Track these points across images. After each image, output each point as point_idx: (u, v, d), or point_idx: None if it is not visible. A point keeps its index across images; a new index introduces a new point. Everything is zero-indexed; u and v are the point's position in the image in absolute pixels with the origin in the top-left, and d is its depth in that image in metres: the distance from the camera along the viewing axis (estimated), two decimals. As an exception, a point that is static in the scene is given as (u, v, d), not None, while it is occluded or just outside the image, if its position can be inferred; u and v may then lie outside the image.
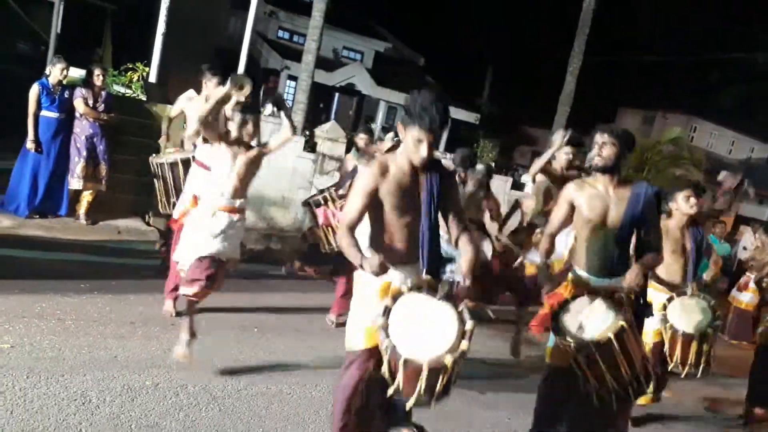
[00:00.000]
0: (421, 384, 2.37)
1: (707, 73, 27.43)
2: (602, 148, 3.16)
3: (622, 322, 2.96)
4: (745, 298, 8.32)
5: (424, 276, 2.71)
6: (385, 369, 2.47)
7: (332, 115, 22.78)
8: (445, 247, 3.01)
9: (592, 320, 3.07)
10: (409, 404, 2.44)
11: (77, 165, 6.40)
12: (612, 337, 2.92)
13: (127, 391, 3.30)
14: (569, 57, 13.13)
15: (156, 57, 7.35)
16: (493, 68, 31.28)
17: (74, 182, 6.41)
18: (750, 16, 26.74)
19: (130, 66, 8.17)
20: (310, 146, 8.68)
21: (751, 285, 8.29)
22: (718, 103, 27.50)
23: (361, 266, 2.59)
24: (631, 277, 3.11)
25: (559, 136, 4.97)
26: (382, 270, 2.53)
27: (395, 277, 2.73)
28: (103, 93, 6.61)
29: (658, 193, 3.05)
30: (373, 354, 2.66)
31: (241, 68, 7.79)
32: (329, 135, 8.61)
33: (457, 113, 23.99)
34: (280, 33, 22.22)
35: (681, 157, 13.05)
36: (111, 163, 6.58)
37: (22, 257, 5.23)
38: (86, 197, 6.52)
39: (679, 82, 27.00)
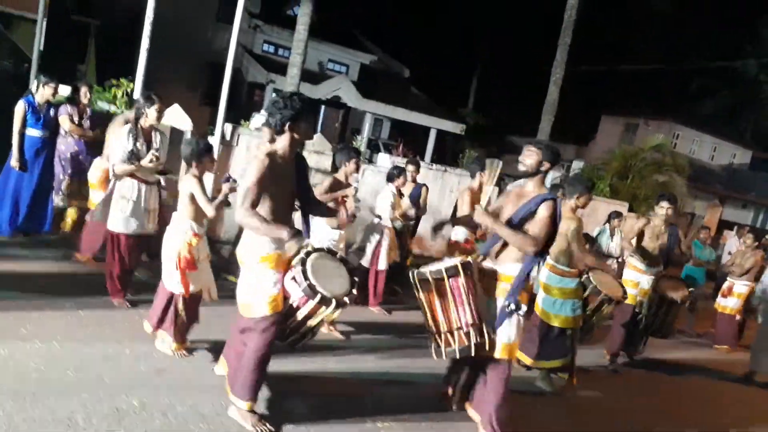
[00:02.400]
0: (323, 314, 3.33)
1: (689, 81, 27.83)
2: (526, 157, 3.81)
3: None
4: (730, 303, 8.34)
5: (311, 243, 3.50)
6: (295, 306, 3.32)
7: (318, 128, 22.82)
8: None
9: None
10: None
11: (62, 182, 6.36)
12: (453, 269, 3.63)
13: (114, 413, 3.25)
14: (552, 67, 13.28)
15: (140, 72, 7.32)
16: (478, 79, 31.55)
17: (58, 199, 6.36)
18: (730, 25, 27.19)
19: (114, 82, 8.13)
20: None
21: (735, 290, 8.33)
22: (699, 110, 27.89)
23: (287, 236, 3.12)
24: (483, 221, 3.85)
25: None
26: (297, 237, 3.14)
27: (281, 246, 3.24)
28: (88, 110, 6.59)
29: (544, 199, 3.68)
30: (276, 318, 3.30)
31: (226, 82, 7.77)
32: (316, 148, 8.61)
33: (442, 124, 24.15)
34: (265, 47, 22.27)
35: (664, 163, 13.20)
36: (96, 179, 6.51)
37: (4, 277, 5.15)
38: (71, 215, 6.47)
39: (661, 90, 27.40)
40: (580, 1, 12.95)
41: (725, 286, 8.49)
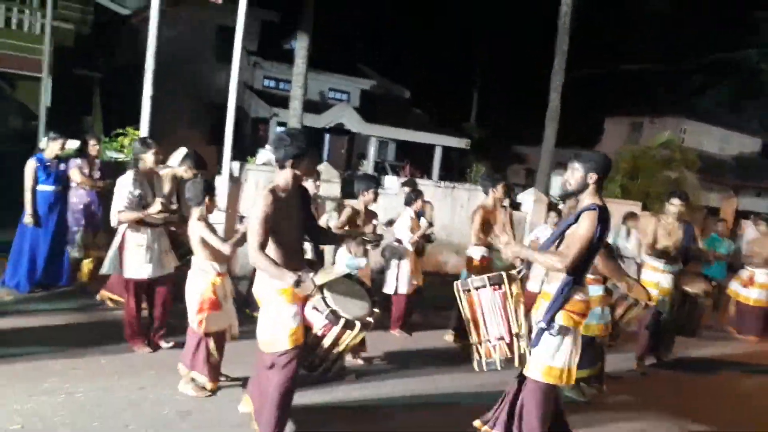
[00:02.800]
0: (349, 338, 3.35)
1: (691, 75, 27.77)
2: (570, 175, 3.52)
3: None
4: (753, 294, 8.16)
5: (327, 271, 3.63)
6: (320, 334, 3.33)
7: (325, 156, 22.99)
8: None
9: None
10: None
11: (76, 234, 6.44)
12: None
13: (143, 460, 3.26)
14: (551, 74, 13.32)
15: (145, 119, 7.43)
16: (479, 92, 31.69)
17: (75, 251, 6.44)
18: (727, 18, 27.13)
19: (121, 131, 8.28)
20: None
21: (757, 279, 8.16)
22: (705, 103, 27.72)
23: (292, 283, 3.20)
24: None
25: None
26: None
27: (297, 292, 3.28)
28: (98, 161, 6.72)
29: (584, 210, 3.35)
30: (297, 352, 3.32)
31: (229, 120, 7.88)
32: (323, 176, 8.65)
33: (446, 140, 24.22)
34: (266, 82, 22.56)
35: (674, 159, 13.11)
36: (109, 228, 6.60)
37: (26, 331, 5.20)
38: (87, 265, 6.55)
39: (663, 88, 27.29)
40: (574, 7, 13.00)
41: (745, 275, 8.27)
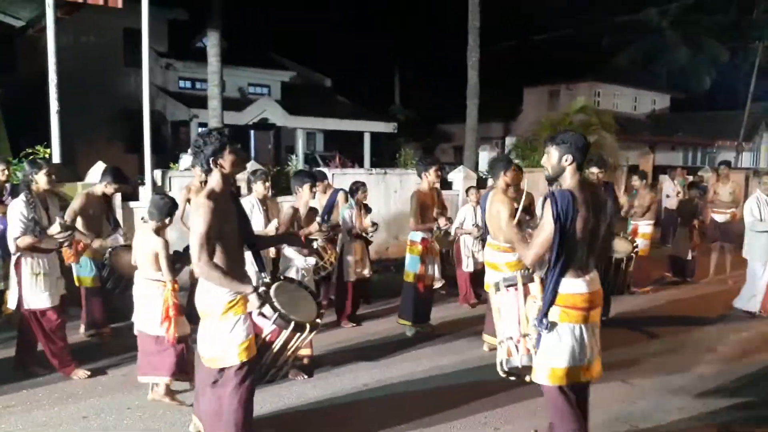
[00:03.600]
0: (298, 341, 3.32)
1: (600, 39, 28.78)
2: (545, 160, 3.29)
3: None
4: (640, 245, 8.37)
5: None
6: (268, 340, 3.27)
7: (251, 153, 22.56)
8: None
9: None
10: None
11: (-7, 265, 6.06)
12: None
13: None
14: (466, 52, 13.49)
15: (55, 136, 7.06)
16: (400, 74, 31.82)
17: (-6, 283, 6.07)
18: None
19: (31, 151, 7.81)
20: (236, 190, 8.53)
21: (641, 231, 8.44)
22: (614, 65, 28.83)
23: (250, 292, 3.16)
24: None
25: None
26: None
27: (251, 301, 3.22)
28: (8, 185, 6.31)
29: (545, 199, 3.17)
30: (252, 365, 3.24)
31: (146, 126, 7.59)
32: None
33: (374, 126, 24.25)
34: (182, 83, 21.86)
35: (591, 123, 13.57)
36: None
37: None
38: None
39: (575, 53, 28.18)
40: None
41: (630, 229, 8.47)
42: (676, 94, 32.26)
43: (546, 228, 3.11)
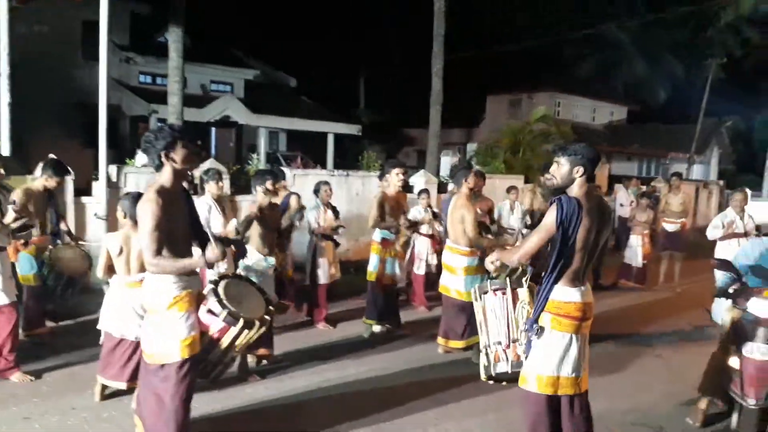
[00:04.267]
0: (246, 338, 3.28)
1: (561, 50, 29.40)
2: (555, 170, 3.35)
3: None
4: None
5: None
6: (216, 337, 3.24)
7: (212, 150, 22.25)
8: None
9: None
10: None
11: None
12: None
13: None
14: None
15: (5, 129, 6.83)
16: (366, 77, 31.85)
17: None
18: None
19: (-22, 142, 7.55)
20: (193, 187, 8.41)
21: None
22: (574, 76, 29.51)
23: (207, 264, 3.15)
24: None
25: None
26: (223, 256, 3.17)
27: (191, 284, 3.21)
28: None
29: (551, 202, 3.21)
30: (193, 362, 3.19)
31: (102, 122, 7.42)
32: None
33: (338, 128, 24.20)
34: (142, 78, 21.41)
35: (550, 132, 13.87)
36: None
37: None
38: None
39: (538, 63, 28.74)
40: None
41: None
42: (633, 106, 33.20)
43: (543, 230, 3.11)
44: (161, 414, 3.18)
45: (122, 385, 4.14)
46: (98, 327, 4.26)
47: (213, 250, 3.11)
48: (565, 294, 3.12)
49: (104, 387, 4.22)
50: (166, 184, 3.14)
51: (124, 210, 4.09)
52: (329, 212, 6.64)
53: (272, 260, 5.19)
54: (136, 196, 4.13)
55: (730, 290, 4.28)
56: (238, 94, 23.46)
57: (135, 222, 4.00)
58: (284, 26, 29.37)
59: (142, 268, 3.99)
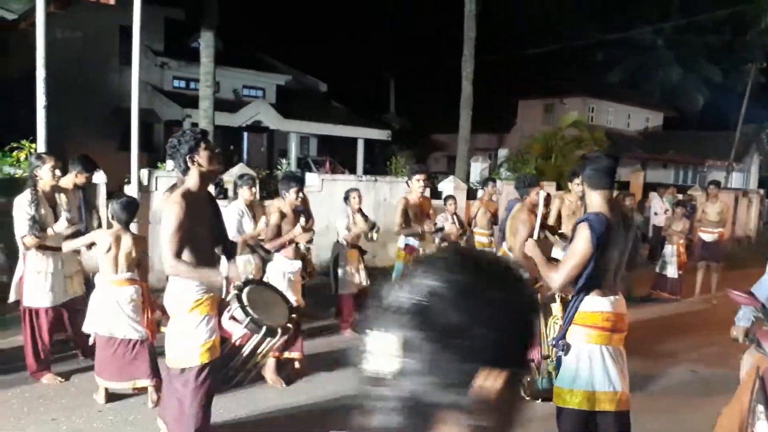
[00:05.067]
0: (268, 345, 3.25)
1: (594, 55, 29.02)
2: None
3: None
4: None
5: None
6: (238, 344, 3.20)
7: (244, 155, 22.47)
8: None
9: None
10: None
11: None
12: None
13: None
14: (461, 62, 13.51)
15: (41, 131, 6.96)
16: (396, 82, 31.85)
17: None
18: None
19: (16, 145, 7.72)
20: (223, 192, 8.49)
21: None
22: (608, 81, 29.09)
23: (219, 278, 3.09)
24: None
25: None
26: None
27: (212, 287, 3.17)
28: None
29: (578, 223, 3.10)
30: (213, 367, 3.18)
31: (134, 126, 7.53)
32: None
33: (368, 133, 24.23)
34: (176, 83, 21.77)
35: (583, 138, 13.63)
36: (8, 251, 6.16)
37: None
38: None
39: (571, 68, 28.39)
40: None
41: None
42: (669, 112, 32.49)
43: (580, 253, 2.95)
44: (181, 418, 3.20)
45: (124, 385, 4.17)
46: (83, 329, 4.28)
47: (233, 268, 3.13)
48: (594, 303, 3.01)
49: (107, 389, 4.24)
50: (193, 187, 3.17)
51: (113, 213, 4.21)
52: (358, 217, 6.61)
53: (298, 264, 5.18)
54: (125, 202, 4.23)
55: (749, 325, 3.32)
56: (269, 99, 23.68)
57: (124, 225, 4.14)
58: (315, 31, 29.57)
59: (131, 267, 4.05)
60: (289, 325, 3.36)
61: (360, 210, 6.65)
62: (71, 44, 16.57)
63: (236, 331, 3.21)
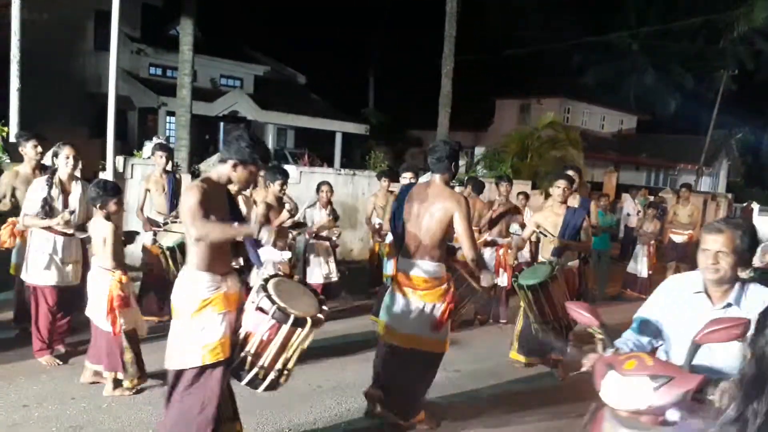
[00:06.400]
0: (299, 339, 2.98)
1: (572, 57, 29.32)
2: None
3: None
4: None
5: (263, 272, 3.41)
6: (266, 339, 2.95)
7: (220, 145, 22.25)
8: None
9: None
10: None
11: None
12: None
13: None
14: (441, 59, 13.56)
15: (14, 114, 6.84)
16: (375, 77, 31.83)
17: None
18: (604, 4, 28.76)
19: (-14, 127, 7.56)
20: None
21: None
22: (584, 83, 29.42)
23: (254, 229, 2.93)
24: None
25: None
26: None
27: (224, 285, 3.06)
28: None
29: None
30: (221, 367, 3.00)
31: (111, 112, 7.41)
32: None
33: (346, 127, 24.19)
34: (152, 70, 21.46)
35: (558, 139, 13.82)
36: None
37: None
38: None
39: (548, 69, 28.65)
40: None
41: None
42: (643, 115, 33.08)
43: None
44: (179, 422, 3.03)
45: (98, 368, 4.19)
46: (86, 312, 4.26)
47: (265, 233, 2.92)
48: None
49: (96, 373, 4.25)
50: (215, 179, 3.09)
51: (89, 197, 4.18)
52: (324, 212, 6.63)
53: (288, 254, 5.16)
54: (104, 185, 4.18)
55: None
56: (247, 89, 23.49)
57: (101, 208, 4.10)
58: (295, 23, 29.38)
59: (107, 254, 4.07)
60: (320, 316, 3.09)
61: (329, 203, 6.69)
62: (44, 28, 16.22)
63: (262, 323, 2.95)
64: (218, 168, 3.10)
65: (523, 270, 5.36)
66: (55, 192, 4.58)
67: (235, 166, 3.02)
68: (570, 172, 5.80)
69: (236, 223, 3.01)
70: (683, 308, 2.44)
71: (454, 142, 3.76)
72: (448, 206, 3.77)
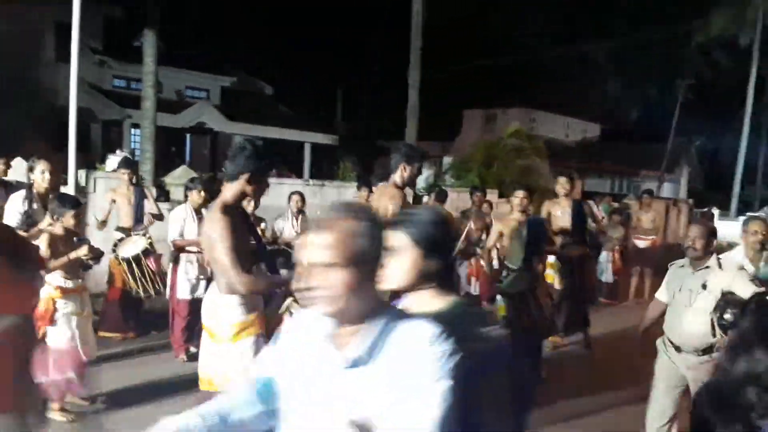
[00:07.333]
0: None
1: (537, 67, 29.87)
2: None
3: None
4: None
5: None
6: None
7: (186, 158, 22.01)
8: None
9: None
10: None
11: None
12: None
13: None
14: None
15: (-30, 128, 6.66)
16: (343, 88, 31.91)
17: None
18: (567, 13, 29.41)
19: (-60, 142, 7.35)
20: (164, 194, 8.31)
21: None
22: (550, 94, 29.97)
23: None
24: None
25: None
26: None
27: (257, 303, 2.98)
28: None
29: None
30: None
31: (72, 123, 7.27)
32: (181, 180, 8.26)
33: (315, 137, 24.12)
34: (116, 82, 21.12)
35: (523, 148, 14.02)
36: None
37: None
38: None
39: (513, 79, 29.14)
40: (425, 6, 13.39)
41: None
42: (606, 124, 33.85)
43: None
44: None
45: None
46: None
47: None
48: None
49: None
50: (231, 200, 2.91)
51: (52, 211, 4.08)
52: (292, 222, 6.67)
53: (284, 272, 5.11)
54: (62, 198, 4.16)
55: None
56: (214, 100, 23.27)
57: (57, 221, 4.00)
58: (263, 34, 29.29)
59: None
60: None
61: (302, 211, 6.72)
62: (2, 38, 15.86)
63: None
64: (230, 186, 2.90)
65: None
66: (36, 206, 4.54)
67: (249, 179, 2.87)
68: (519, 193, 5.88)
69: (277, 278, 3.04)
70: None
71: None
72: None
